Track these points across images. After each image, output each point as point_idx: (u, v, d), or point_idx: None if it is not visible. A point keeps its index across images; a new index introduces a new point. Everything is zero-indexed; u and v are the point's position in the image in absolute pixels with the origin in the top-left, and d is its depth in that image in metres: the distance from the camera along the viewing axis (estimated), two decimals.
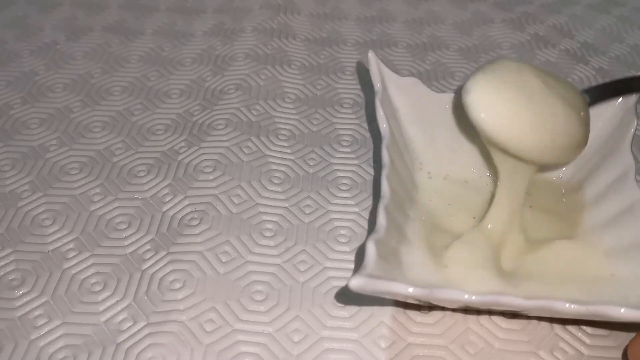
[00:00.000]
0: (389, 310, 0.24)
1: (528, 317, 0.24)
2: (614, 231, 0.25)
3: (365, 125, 0.33)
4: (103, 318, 0.24)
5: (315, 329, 0.23)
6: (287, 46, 0.39)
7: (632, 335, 0.23)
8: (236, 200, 0.28)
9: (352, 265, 0.26)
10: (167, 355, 0.22)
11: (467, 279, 0.23)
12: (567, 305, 0.20)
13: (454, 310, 0.24)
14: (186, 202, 0.28)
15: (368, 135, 0.32)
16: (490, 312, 0.24)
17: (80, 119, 0.33)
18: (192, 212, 0.28)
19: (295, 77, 0.37)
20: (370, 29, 0.41)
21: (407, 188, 0.27)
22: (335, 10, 0.43)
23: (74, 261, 0.26)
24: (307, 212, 0.28)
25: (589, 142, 0.28)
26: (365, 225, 0.27)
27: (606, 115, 0.27)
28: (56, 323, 0.23)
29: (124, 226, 0.27)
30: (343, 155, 0.31)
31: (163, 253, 0.26)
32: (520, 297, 0.20)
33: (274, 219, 0.28)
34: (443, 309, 0.24)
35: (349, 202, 0.29)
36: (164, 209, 0.28)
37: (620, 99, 0.27)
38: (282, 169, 0.30)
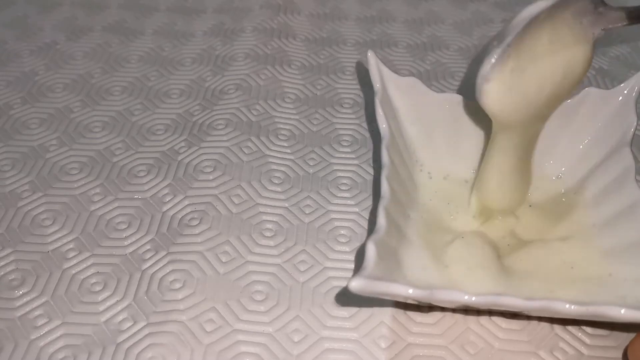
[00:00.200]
0: (389, 310, 0.24)
1: (528, 317, 0.24)
2: (613, 231, 0.25)
3: (365, 125, 0.33)
4: (103, 318, 0.24)
5: (315, 329, 0.23)
6: (287, 46, 0.39)
7: (632, 335, 0.23)
8: (236, 200, 0.28)
9: (352, 265, 0.26)
10: (167, 355, 0.22)
11: (467, 279, 0.23)
12: (567, 305, 0.20)
13: (454, 310, 0.24)
14: (186, 202, 0.28)
15: (368, 135, 0.32)
16: (490, 312, 0.24)
17: (80, 119, 0.33)
18: (192, 212, 0.28)
19: (295, 77, 0.37)
20: (370, 29, 0.41)
21: (407, 188, 0.27)
22: (335, 10, 0.43)
23: (74, 261, 0.26)
24: (307, 212, 0.28)
25: (588, 142, 0.28)
26: (365, 225, 0.28)
27: (606, 115, 0.27)
28: (56, 323, 0.23)
29: (124, 226, 0.27)
30: (343, 155, 0.31)
31: (163, 253, 0.26)
32: (521, 298, 0.20)
33: (274, 219, 0.28)
34: (443, 309, 0.24)
35: (349, 202, 0.29)
36: (164, 209, 0.28)
37: (620, 97, 0.27)
38: (282, 169, 0.30)
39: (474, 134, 0.28)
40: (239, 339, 0.23)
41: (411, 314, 0.24)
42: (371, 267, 0.20)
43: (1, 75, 0.37)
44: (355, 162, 0.31)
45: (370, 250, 0.20)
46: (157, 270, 0.25)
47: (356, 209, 0.28)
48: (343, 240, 0.27)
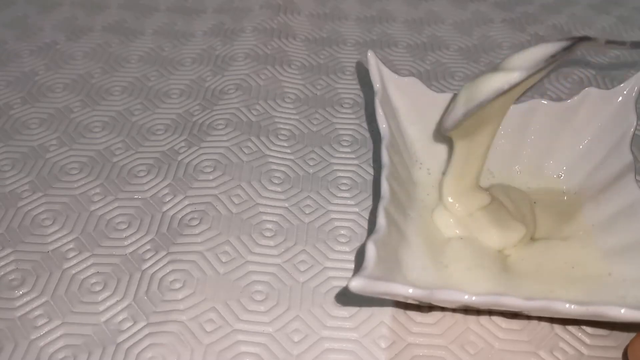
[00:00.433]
0: (389, 310, 0.24)
1: (528, 317, 0.24)
2: (613, 231, 0.25)
3: (365, 125, 0.33)
4: (103, 318, 0.24)
5: (315, 329, 0.23)
6: (287, 46, 0.39)
7: (632, 335, 0.23)
8: (236, 200, 0.28)
9: (352, 265, 0.26)
10: (167, 355, 0.22)
11: (467, 278, 0.23)
12: (567, 305, 0.20)
13: (454, 310, 0.24)
14: (186, 202, 0.28)
15: (368, 135, 0.32)
16: (490, 312, 0.24)
17: (80, 119, 0.33)
18: (192, 212, 0.28)
19: (295, 77, 0.37)
20: (370, 29, 0.41)
21: (407, 188, 0.27)
22: (335, 10, 0.43)
23: (74, 261, 0.26)
24: (307, 212, 0.28)
25: (589, 142, 0.28)
26: (365, 225, 0.28)
27: (606, 115, 0.27)
28: (56, 323, 0.23)
29: (124, 226, 0.27)
30: (343, 155, 0.31)
31: (163, 253, 0.26)
32: (521, 298, 0.20)
33: (274, 219, 0.28)
34: (443, 309, 0.24)
35: (349, 202, 0.29)
36: (164, 209, 0.28)
37: (620, 97, 0.27)
38: (282, 169, 0.30)
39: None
40: (239, 339, 0.23)
41: (411, 314, 0.24)
42: (371, 267, 0.20)
43: (1, 75, 0.37)
44: (355, 162, 0.31)
45: (370, 250, 0.20)
46: (157, 270, 0.25)
47: (356, 209, 0.28)
48: (343, 240, 0.27)
